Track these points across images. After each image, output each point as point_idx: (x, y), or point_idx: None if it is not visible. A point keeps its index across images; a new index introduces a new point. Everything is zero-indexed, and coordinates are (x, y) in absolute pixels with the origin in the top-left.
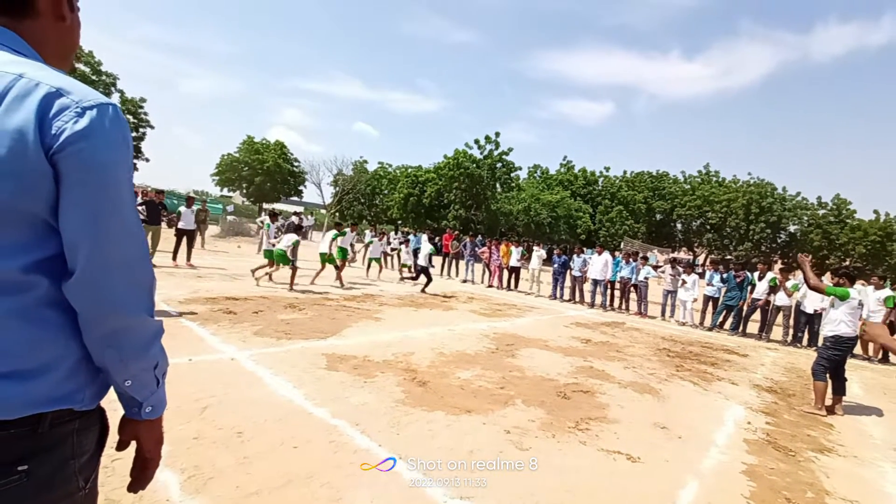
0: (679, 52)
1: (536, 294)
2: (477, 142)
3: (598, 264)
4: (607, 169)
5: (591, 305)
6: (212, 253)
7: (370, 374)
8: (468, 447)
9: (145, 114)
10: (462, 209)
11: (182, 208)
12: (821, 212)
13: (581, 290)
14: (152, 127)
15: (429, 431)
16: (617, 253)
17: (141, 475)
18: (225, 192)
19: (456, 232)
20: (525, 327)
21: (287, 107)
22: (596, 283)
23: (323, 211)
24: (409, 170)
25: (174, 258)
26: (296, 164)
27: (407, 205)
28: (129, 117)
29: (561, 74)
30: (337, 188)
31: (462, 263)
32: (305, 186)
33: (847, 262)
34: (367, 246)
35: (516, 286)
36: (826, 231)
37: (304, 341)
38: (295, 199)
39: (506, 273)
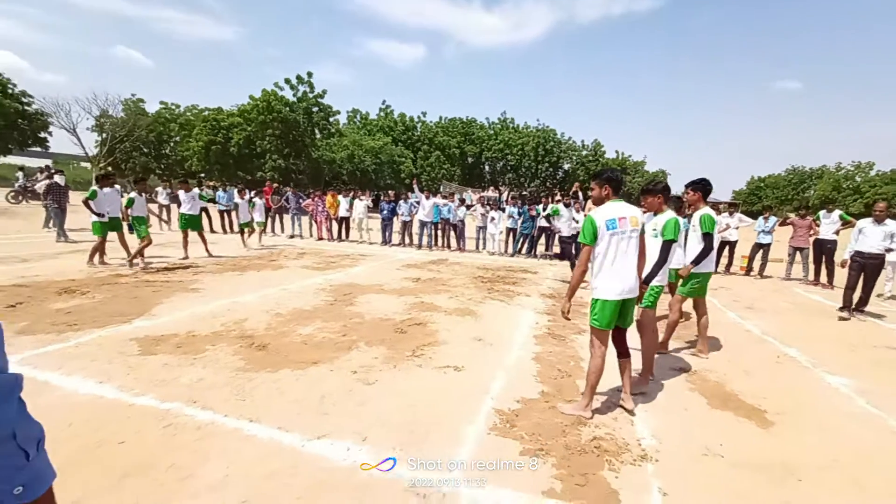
0: (480, 1)
1: (369, 242)
2: (288, 81)
3: (426, 207)
4: (424, 114)
5: (419, 247)
6: None
7: (199, 350)
8: (319, 394)
9: None
10: (280, 158)
11: None
12: (584, 152)
13: (410, 234)
14: None
15: (277, 390)
16: (439, 196)
17: None
18: None
19: (275, 185)
20: (360, 275)
21: None
22: (423, 224)
23: (86, 165)
24: (207, 112)
25: None
26: (27, 100)
27: (209, 155)
28: None
29: (372, 10)
30: (104, 135)
31: (287, 218)
32: (51, 133)
33: None
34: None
35: (347, 236)
36: (587, 167)
37: (99, 329)
38: (37, 149)
39: (335, 224)
